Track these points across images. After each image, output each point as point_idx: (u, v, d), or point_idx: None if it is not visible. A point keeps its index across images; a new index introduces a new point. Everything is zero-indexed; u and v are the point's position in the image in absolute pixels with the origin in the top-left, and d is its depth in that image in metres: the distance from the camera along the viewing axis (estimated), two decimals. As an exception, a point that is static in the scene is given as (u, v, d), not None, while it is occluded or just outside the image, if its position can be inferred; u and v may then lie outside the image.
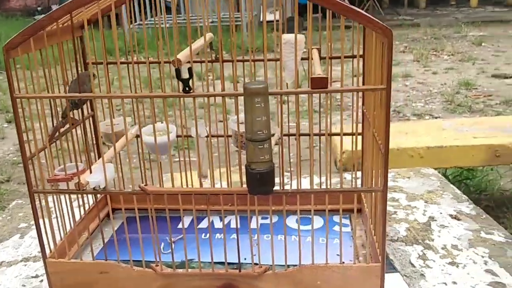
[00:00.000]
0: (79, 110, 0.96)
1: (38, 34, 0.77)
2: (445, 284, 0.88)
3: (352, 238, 1.00)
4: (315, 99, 0.82)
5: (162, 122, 1.01)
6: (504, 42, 6.05)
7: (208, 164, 0.86)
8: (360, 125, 1.01)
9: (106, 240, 0.92)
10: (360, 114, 0.98)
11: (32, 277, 0.96)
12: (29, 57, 0.80)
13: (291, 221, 1.07)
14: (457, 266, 0.93)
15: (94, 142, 1.10)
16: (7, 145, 3.32)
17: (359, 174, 1.07)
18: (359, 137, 1.00)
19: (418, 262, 0.94)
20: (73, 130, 0.94)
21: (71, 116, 0.91)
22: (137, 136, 1.03)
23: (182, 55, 0.75)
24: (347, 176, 1.33)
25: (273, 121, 0.83)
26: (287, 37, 0.90)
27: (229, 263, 0.84)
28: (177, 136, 1.04)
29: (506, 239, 1.02)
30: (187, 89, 0.74)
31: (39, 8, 10.30)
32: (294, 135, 0.92)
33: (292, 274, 0.82)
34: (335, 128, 1.33)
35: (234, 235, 1.00)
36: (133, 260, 0.86)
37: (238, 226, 0.84)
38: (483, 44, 5.98)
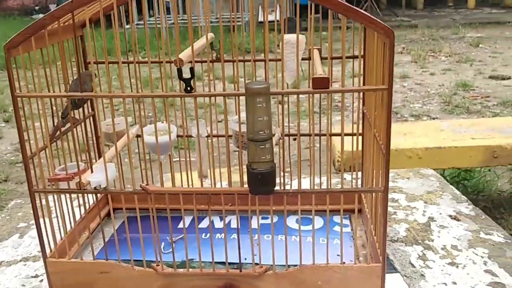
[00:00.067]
0: (79, 109, 0.96)
1: (39, 33, 0.77)
2: (445, 284, 0.88)
3: (352, 238, 1.00)
4: (315, 99, 0.82)
5: (162, 122, 1.01)
6: (501, 44, 6.07)
7: (208, 164, 0.86)
8: (360, 126, 1.01)
9: (106, 240, 0.92)
10: (359, 114, 0.98)
11: (32, 276, 0.95)
12: (29, 56, 0.80)
13: (291, 221, 1.07)
14: (457, 267, 0.93)
15: (95, 141, 1.10)
16: (4, 145, 3.31)
17: (359, 174, 1.07)
18: (359, 138, 1.00)
19: (418, 263, 0.94)
20: (73, 130, 0.94)
21: (72, 115, 0.91)
22: (138, 136, 1.03)
23: (184, 55, 0.75)
24: (347, 176, 1.33)
25: (273, 121, 0.83)
26: (287, 37, 0.90)
27: (229, 263, 0.84)
28: (178, 136, 1.04)
29: (505, 239, 1.02)
30: (188, 88, 0.74)
31: (36, 8, 10.28)
32: (294, 135, 0.92)
33: (292, 274, 0.82)
34: (334, 128, 1.33)
35: (235, 235, 1.00)
36: (134, 260, 0.86)
37: (239, 226, 0.84)
38: (480, 45, 5.99)
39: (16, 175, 2.82)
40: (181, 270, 0.85)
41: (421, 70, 4.91)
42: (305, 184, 1.26)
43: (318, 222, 1.05)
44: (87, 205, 1.02)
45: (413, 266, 0.94)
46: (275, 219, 1.08)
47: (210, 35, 0.95)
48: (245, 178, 0.77)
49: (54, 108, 0.89)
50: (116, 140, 0.84)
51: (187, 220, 1.07)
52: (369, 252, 0.88)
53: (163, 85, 0.80)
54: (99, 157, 1.06)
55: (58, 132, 0.88)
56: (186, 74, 0.74)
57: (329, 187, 0.98)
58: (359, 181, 1.07)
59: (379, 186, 0.81)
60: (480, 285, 0.87)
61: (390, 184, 1.29)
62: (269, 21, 0.75)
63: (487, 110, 3.58)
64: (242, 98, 0.74)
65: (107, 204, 1.11)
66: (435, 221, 1.10)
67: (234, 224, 1.08)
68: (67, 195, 0.90)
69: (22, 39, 0.77)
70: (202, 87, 0.90)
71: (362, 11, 0.72)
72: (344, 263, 0.83)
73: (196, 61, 0.77)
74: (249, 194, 0.76)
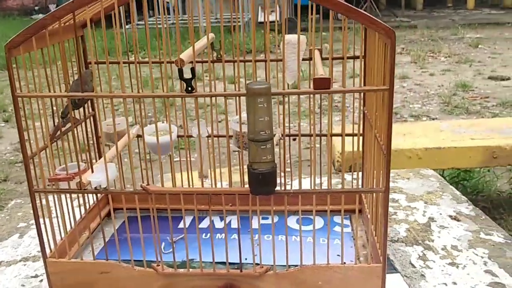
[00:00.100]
0: (80, 109, 0.96)
1: (40, 33, 0.77)
2: (445, 284, 0.88)
3: (353, 238, 1.00)
4: (315, 99, 0.82)
5: (162, 122, 1.01)
6: (500, 44, 6.08)
7: (209, 164, 0.86)
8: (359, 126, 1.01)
9: (106, 240, 0.92)
10: (359, 114, 0.99)
11: (32, 277, 0.95)
12: (30, 56, 0.80)
13: (292, 222, 1.07)
14: (457, 267, 0.93)
15: (95, 141, 1.10)
16: (4, 145, 3.30)
17: (359, 174, 1.07)
18: (360, 138, 1.00)
19: (418, 263, 0.95)
20: (74, 130, 0.94)
21: (72, 115, 0.91)
22: (138, 136, 1.03)
23: (185, 55, 0.75)
24: (347, 177, 1.33)
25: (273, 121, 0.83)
26: (288, 38, 0.90)
27: (230, 263, 0.84)
28: (178, 136, 1.04)
29: (505, 239, 1.02)
30: (189, 89, 0.74)
31: (36, 8, 10.28)
32: (295, 135, 0.92)
33: (293, 274, 0.82)
34: (334, 129, 1.33)
35: (235, 235, 1.00)
36: (134, 260, 0.85)
37: (239, 226, 0.84)
38: (479, 46, 6.00)
39: (15, 175, 2.82)
40: (181, 270, 0.85)
41: (421, 70, 4.92)
42: (306, 184, 1.26)
43: (319, 222, 1.05)
44: (87, 205, 1.02)
45: (413, 266, 0.94)
46: (276, 219, 1.08)
47: (211, 35, 0.95)
48: (246, 178, 0.77)
49: (54, 108, 0.89)
50: (116, 140, 0.84)
51: (188, 220, 1.07)
52: (369, 252, 0.88)
53: (163, 85, 0.80)
54: (100, 157, 1.06)
55: (58, 132, 0.88)
56: (187, 74, 0.74)
57: (329, 187, 0.98)
58: (360, 181, 1.07)
59: (380, 187, 0.81)
60: (480, 285, 0.87)
61: (391, 184, 1.29)
62: (270, 22, 0.75)
63: (487, 111, 3.58)
64: (243, 98, 0.74)
65: (108, 204, 1.10)
66: (435, 221, 1.10)
67: (234, 224, 1.08)
68: (67, 195, 0.90)
69: (23, 39, 0.77)
70: (202, 87, 0.90)
71: (362, 11, 0.72)
72: (344, 263, 0.83)
73: (197, 61, 0.77)
74: (250, 194, 0.76)
